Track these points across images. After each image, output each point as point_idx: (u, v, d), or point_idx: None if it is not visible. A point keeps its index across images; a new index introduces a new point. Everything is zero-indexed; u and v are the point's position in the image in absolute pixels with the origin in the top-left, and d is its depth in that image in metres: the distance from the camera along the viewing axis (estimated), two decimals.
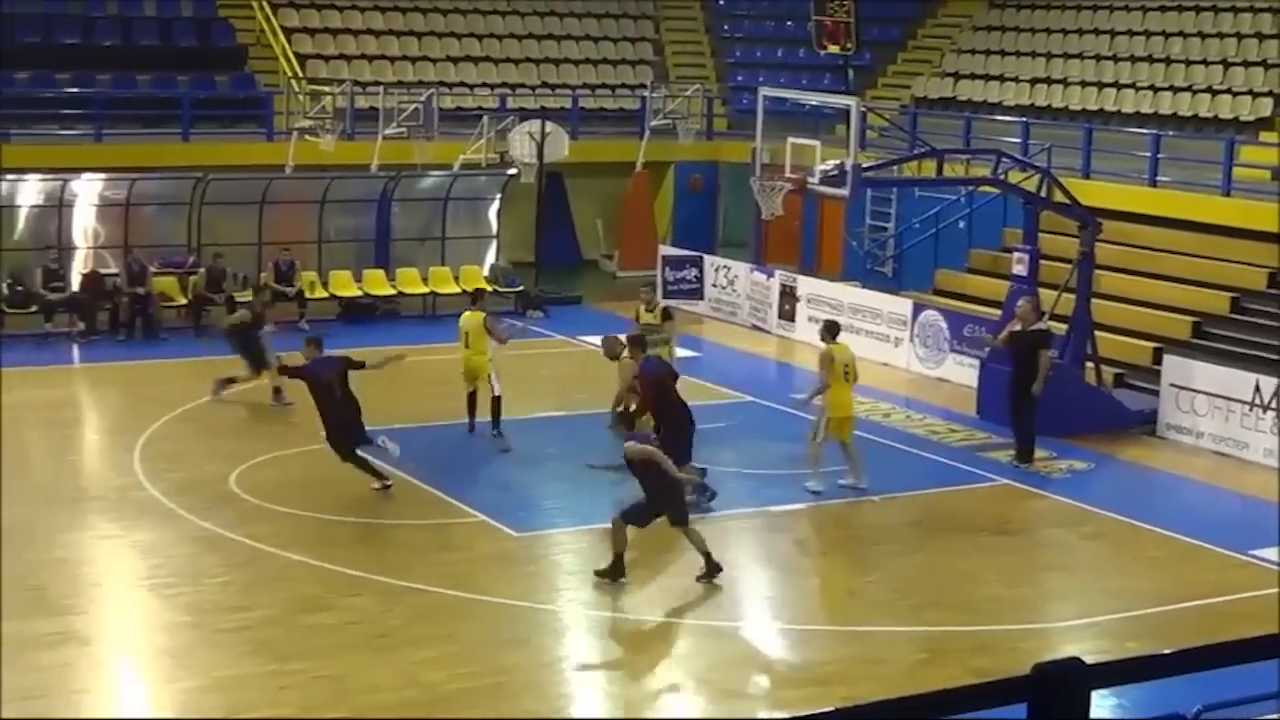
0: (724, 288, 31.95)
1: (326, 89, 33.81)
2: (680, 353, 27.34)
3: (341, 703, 13.40)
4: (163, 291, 29.18)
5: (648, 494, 16.42)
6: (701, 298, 32.17)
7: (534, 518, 18.69)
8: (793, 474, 19.98)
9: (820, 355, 19.94)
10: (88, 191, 29.97)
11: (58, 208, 29.62)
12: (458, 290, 30.89)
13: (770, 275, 30.99)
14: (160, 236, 30.47)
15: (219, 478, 19.56)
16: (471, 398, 22.20)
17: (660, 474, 16.31)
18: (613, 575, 16.30)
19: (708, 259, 32.66)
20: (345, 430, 19.39)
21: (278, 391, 23.46)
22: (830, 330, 20.40)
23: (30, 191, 29.73)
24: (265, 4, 37.68)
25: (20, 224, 29.75)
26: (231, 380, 23.63)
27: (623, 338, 20.20)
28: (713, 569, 16.45)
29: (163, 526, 18.04)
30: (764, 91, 26.03)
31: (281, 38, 37.17)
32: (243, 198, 30.60)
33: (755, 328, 30.68)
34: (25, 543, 17.29)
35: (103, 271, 29.27)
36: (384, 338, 26.41)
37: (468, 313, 22.67)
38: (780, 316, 30.27)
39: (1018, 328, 21.68)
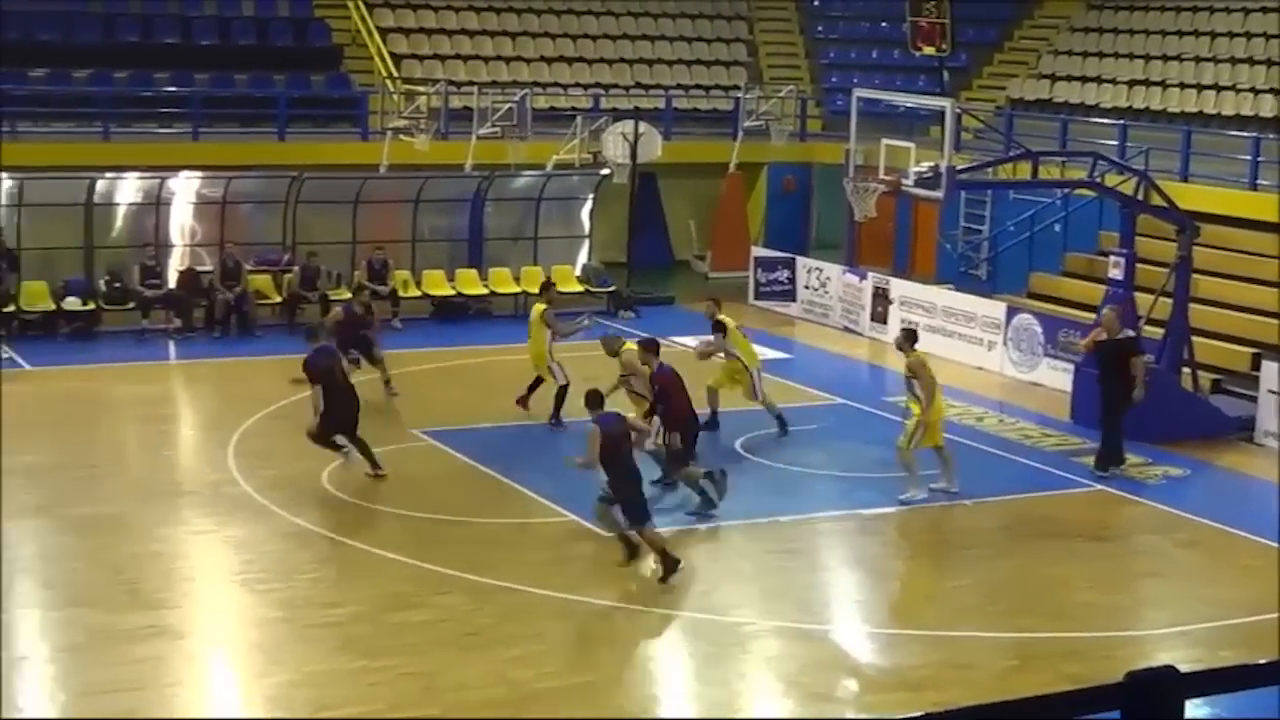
0: (816, 289, 31.83)
1: (421, 89, 33.96)
2: (770, 354, 27.34)
3: (430, 700, 13.44)
4: (257, 289, 29.43)
5: (610, 481, 16.50)
6: (794, 299, 32.08)
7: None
8: (885, 477, 19.85)
9: (912, 363, 19.66)
10: (185, 189, 30.27)
11: (155, 205, 29.94)
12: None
13: (863, 277, 30.84)
14: (256, 234, 30.74)
15: (311, 474, 19.69)
16: (535, 384, 22.65)
17: (627, 463, 16.39)
18: (629, 557, 16.55)
19: (800, 260, 32.57)
20: (335, 419, 19.57)
21: (388, 383, 23.97)
22: (910, 338, 20.12)
23: (129, 189, 30.08)
24: (361, 4, 37.94)
25: (119, 221, 30.10)
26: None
27: (632, 342, 20.15)
28: (669, 568, 16.36)
29: (255, 522, 18.20)
30: (858, 93, 25.88)
31: (377, 38, 37.42)
32: (337, 197, 30.82)
33: (847, 330, 30.54)
34: (120, 537, 17.51)
35: (199, 269, 29.57)
36: (476, 337, 26.56)
37: (535, 304, 23.06)
38: (872, 319, 30.10)
39: (1103, 337, 21.46)
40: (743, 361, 22.22)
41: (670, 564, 16.32)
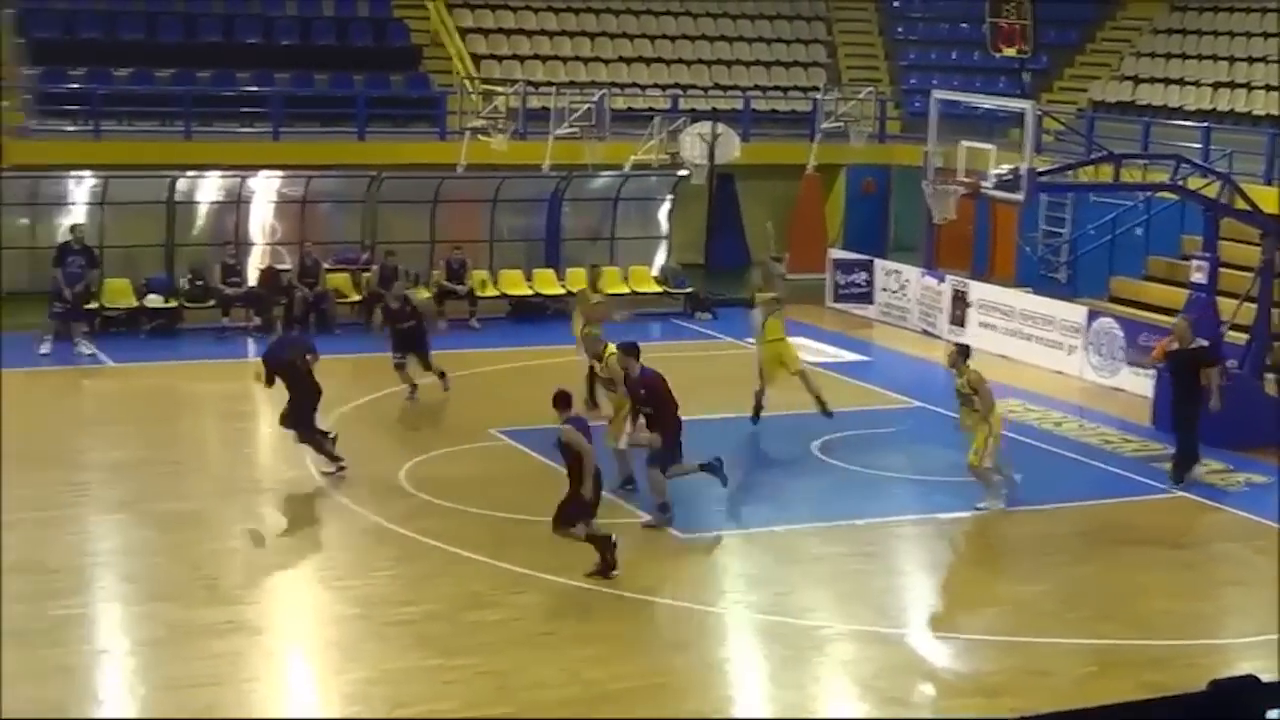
0: (894, 292, 31.70)
1: (499, 89, 34.07)
2: (847, 356, 27.30)
3: (505, 699, 13.47)
4: (336, 288, 29.62)
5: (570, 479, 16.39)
6: (871, 302, 31.97)
7: (699, 519, 18.65)
8: (962, 481, 19.70)
9: (973, 378, 19.32)
10: (265, 188, 30.52)
11: (236, 204, 30.20)
12: (626, 290, 31.00)
13: (941, 280, 30.69)
14: (335, 233, 30.96)
15: (389, 472, 19.80)
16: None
17: (579, 465, 16.19)
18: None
19: (878, 263, 32.44)
20: (301, 411, 19.75)
21: (442, 375, 24.04)
22: (965, 354, 19.83)
23: (210, 188, 30.36)
24: (441, 4, 38.10)
25: (200, 220, 30.38)
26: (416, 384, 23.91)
27: (614, 345, 19.91)
28: (607, 566, 16.30)
29: (333, 520, 18.32)
30: (938, 94, 25.72)
31: (456, 38, 37.56)
32: (415, 196, 30.98)
33: (925, 333, 30.38)
34: (201, 533, 17.67)
35: (279, 267, 29.79)
36: (553, 337, 26.58)
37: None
38: (951, 322, 29.93)
39: (1175, 346, 21.24)
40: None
41: (607, 563, 16.29)
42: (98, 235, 28.85)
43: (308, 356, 20.05)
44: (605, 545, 16.38)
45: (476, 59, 37.51)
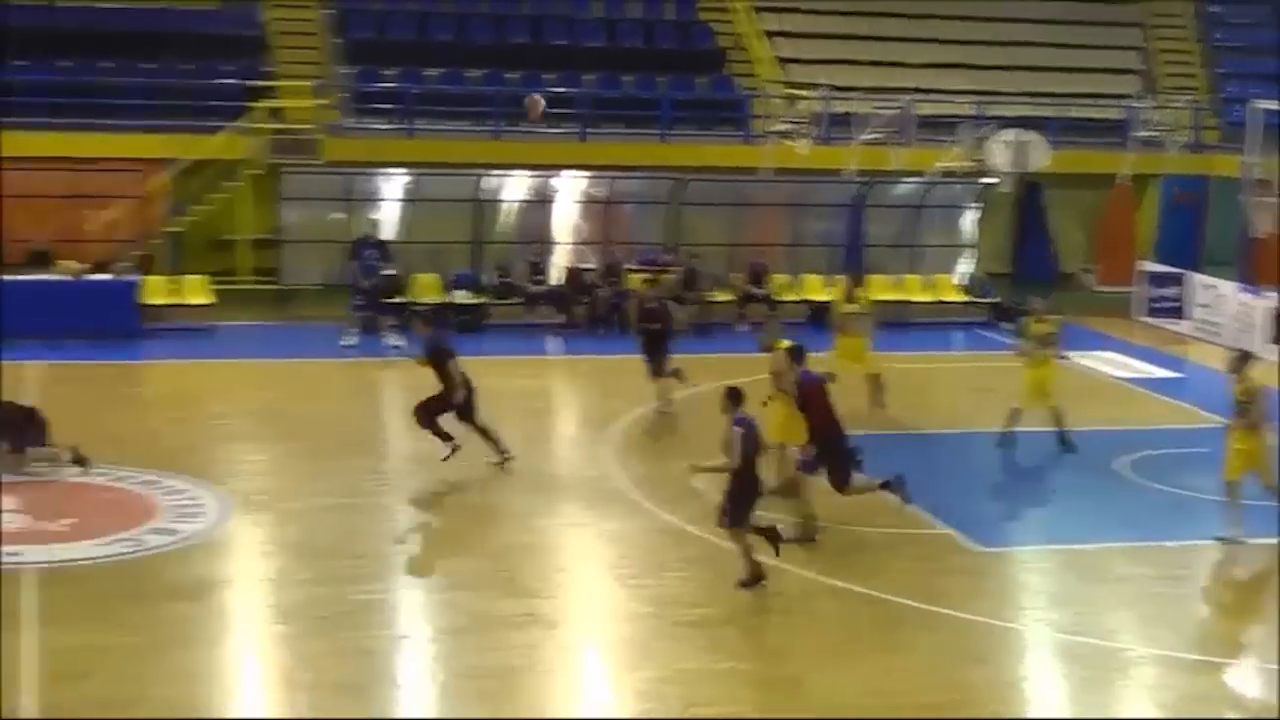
0: (1208, 307, 30.62)
1: (804, 93, 33.91)
2: (1159, 373, 26.45)
3: (798, 706, 13.30)
4: (638, 288, 29.75)
5: (736, 486, 15.91)
6: (1183, 316, 30.94)
7: (1001, 534, 18.22)
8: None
9: (1251, 386, 18.32)
10: (570, 189, 30.86)
11: (541, 203, 30.60)
12: (930, 299, 30.58)
13: (1259, 296, 29.53)
14: (637, 234, 31.17)
15: (685, 472, 19.72)
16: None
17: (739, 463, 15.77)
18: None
19: (1193, 276, 31.38)
20: (439, 401, 19.71)
21: (676, 373, 23.49)
22: (1245, 359, 18.87)
23: (516, 187, 30.83)
24: (747, 7, 38.08)
25: (506, 218, 30.88)
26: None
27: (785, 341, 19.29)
28: (753, 579, 15.81)
29: (628, 517, 18.35)
30: (1259, 104, 24.80)
31: (763, 41, 37.50)
32: (718, 199, 31.00)
33: (1240, 350, 29.19)
34: (501, 526, 17.89)
35: (582, 266, 30.10)
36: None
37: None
38: (1271, 339, 28.75)
39: None
40: None
41: (755, 574, 15.86)
42: (406, 231, 29.52)
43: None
44: (772, 535, 16.11)
45: (782, 62, 37.38)
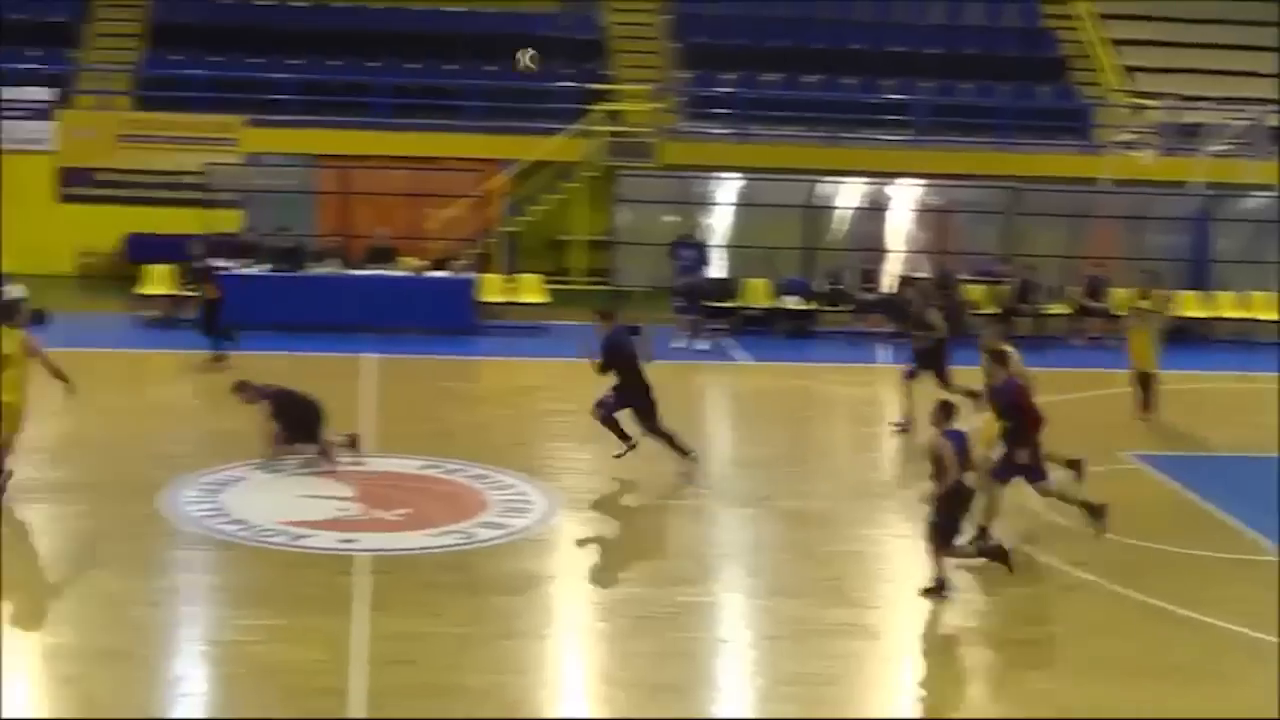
0: None
1: (1149, 102, 32.95)
2: None
3: None
4: (972, 299, 29.25)
5: (944, 502, 15.43)
6: None
7: None
8: None
9: None
10: (904, 196, 30.53)
11: (874, 211, 30.33)
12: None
13: None
14: (972, 244, 30.66)
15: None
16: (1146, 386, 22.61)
17: (942, 479, 15.23)
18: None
19: None
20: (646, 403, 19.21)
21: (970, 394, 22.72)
22: None
23: (849, 194, 30.62)
24: (1094, 15, 37.17)
25: (837, 225, 30.70)
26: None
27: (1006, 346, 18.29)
28: (936, 588, 15.32)
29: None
30: None
31: (1108, 49, 36.53)
32: (1056, 209, 30.29)
33: None
34: (826, 533, 17.71)
35: (915, 275, 29.72)
36: (1201, 362, 25.56)
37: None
38: None
39: None
40: None
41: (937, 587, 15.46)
42: (738, 235, 29.59)
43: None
44: (999, 555, 15.85)
45: (1128, 70, 36.35)
